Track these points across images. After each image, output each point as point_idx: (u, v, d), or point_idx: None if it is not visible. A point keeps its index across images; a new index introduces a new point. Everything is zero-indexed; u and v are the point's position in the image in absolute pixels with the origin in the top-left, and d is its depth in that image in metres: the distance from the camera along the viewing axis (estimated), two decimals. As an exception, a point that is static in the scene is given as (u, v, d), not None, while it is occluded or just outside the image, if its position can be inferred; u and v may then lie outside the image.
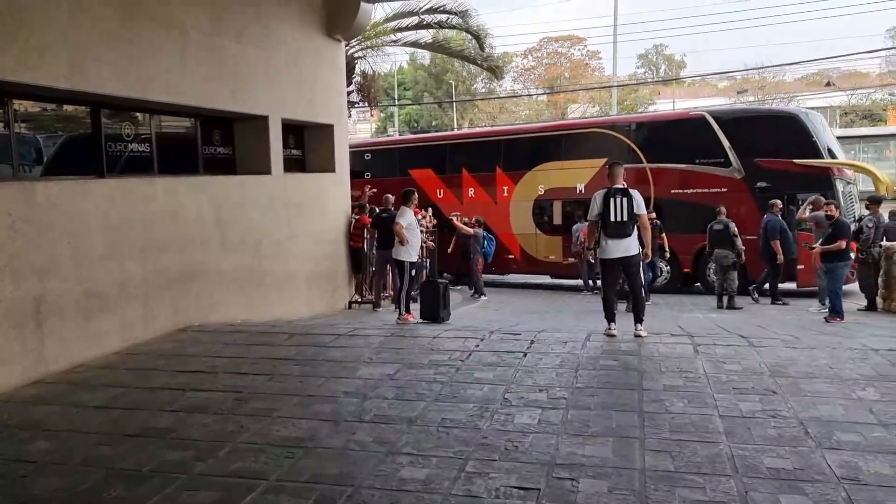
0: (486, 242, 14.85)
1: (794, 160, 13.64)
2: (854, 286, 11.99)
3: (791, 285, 13.53)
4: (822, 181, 13.39)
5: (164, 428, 4.61)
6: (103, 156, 7.37)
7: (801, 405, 4.68)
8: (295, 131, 10.88)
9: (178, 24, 7.82)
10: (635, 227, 6.97)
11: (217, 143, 9.39)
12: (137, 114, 8.05)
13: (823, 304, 11.67)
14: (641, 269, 7.49)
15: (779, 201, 12.76)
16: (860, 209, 14.20)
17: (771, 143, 14.02)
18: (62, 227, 6.27)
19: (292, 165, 10.76)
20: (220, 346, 7.02)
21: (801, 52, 70.91)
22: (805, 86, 46.57)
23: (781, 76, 46.10)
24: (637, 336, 6.80)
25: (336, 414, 4.81)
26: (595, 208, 7.01)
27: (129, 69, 7.08)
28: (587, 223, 7.99)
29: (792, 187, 13.59)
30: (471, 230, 14.52)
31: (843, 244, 10.14)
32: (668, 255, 14.30)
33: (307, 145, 11.26)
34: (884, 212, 11.67)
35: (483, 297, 14.25)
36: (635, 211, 6.89)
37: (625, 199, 6.88)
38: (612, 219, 6.88)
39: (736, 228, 12.39)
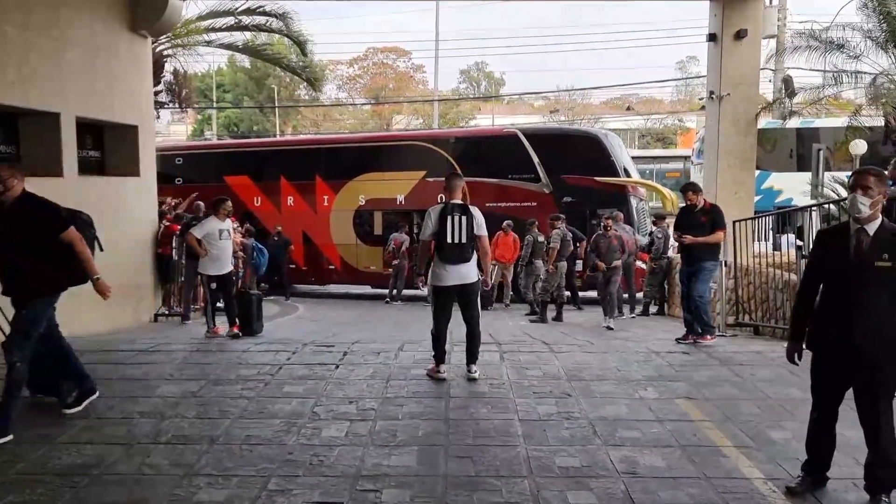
0: (255, 254, 13.26)
1: (596, 178, 14.80)
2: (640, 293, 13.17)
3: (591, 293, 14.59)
4: (619, 197, 14.67)
5: (-83, 464, 4.03)
6: None
7: (592, 406, 5.06)
8: (93, 131, 9.99)
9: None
10: (475, 250, 5.95)
11: (-3, 141, 8.43)
12: None
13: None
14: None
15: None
16: (649, 224, 15.67)
17: (575, 161, 15.14)
18: None
19: (90, 168, 9.86)
20: (-4, 366, 6.27)
21: (609, 78, 77.41)
22: (609, 109, 50.70)
23: (589, 99, 49.87)
24: (470, 379, 5.83)
25: (129, 436, 4.49)
26: (429, 226, 5.88)
27: None
28: (419, 242, 6.49)
29: (593, 203, 14.74)
30: (239, 238, 12.76)
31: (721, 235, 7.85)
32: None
33: (107, 147, 10.34)
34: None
35: None
36: (476, 232, 5.88)
37: (464, 218, 5.81)
38: (450, 240, 5.78)
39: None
